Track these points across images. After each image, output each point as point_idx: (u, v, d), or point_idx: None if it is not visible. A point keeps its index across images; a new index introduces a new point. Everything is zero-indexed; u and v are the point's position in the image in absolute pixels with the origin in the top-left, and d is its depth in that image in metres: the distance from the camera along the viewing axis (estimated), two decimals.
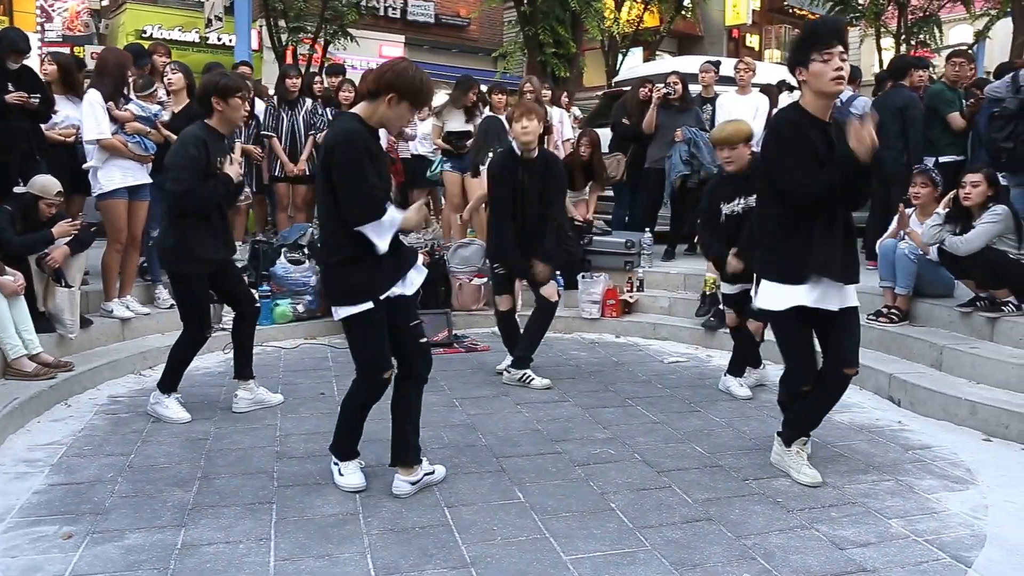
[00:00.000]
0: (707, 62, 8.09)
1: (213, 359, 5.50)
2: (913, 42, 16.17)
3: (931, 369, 4.65)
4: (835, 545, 2.85)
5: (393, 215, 3.05)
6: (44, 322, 4.76)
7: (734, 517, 3.07)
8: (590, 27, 11.27)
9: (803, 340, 3.38)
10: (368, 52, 21.13)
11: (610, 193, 7.97)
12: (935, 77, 7.90)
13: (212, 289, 4.27)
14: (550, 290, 4.93)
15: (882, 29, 16.55)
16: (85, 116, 5.16)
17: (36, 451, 3.68)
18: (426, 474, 3.31)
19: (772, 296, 3.32)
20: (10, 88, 5.44)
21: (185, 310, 4.20)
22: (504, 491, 3.29)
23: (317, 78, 7.92)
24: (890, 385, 4.58)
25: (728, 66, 8.24)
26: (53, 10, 20.56)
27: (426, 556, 2.74)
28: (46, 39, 19.27)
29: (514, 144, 4.78)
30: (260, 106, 7.18)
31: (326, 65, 12.72)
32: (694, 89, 7.88)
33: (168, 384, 4.21)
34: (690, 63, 8.82)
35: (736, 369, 4.79)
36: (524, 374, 4.90)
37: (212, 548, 2.77)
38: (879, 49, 16.51)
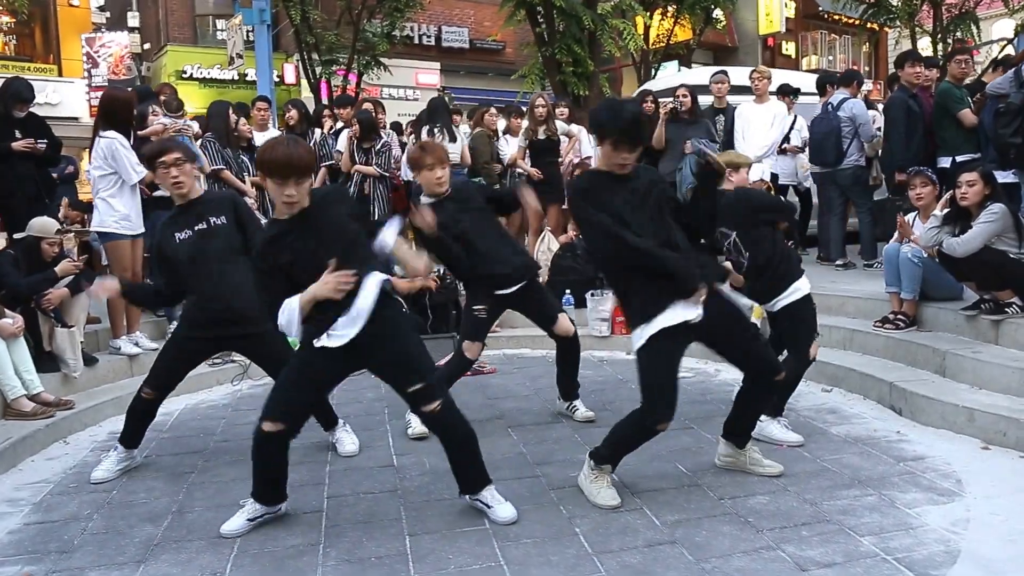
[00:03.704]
0: (717, 72, 8.00)
1: (221, 391, 5.59)
2: (950, 40, 15.74)
3: (935, 376, 4.47)
4: (798, 567, 2.74)
5: (288, 306, 2.91)
6: (50, 361, 4.91)
7: (699, 539, 2.97)
8: (607, 45, 11.24)
9: None
10: (404, 80, 21.49)
11: None
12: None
13: None
14: (565, 325, 4.45)
15: (917, 29, 16.16)
16: (119, 161, 5.23)
17: (22, 490, 3.77)
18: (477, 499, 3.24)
19: None
20: (17, 135, 5.67)
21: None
22: (471, 518, 3.24)
23: (326, 111, 8.04)
24: (891, 394, 4.42)
25: (742, 75, 8.13)
26: (99, 56, 21.37)
27: None
28: (93, 84, 20.01)
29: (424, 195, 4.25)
30: (266, 137, 7.30)
31: (334, 96, 12.92)
32: (706, 100, 7.80)
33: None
34: (700, 75, 8.73)
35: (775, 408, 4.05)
36: (569, 404, 4.64)
37: None
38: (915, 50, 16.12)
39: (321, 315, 2.96)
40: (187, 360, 3.94)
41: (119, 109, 5.34)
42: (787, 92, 8.05)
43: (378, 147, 7.13)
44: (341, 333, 2.96)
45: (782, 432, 3.98)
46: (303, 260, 2.94)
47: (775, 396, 3.84)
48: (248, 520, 3.18)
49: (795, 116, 7.95)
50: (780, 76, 9.17)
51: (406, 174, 7.72)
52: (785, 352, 4.03)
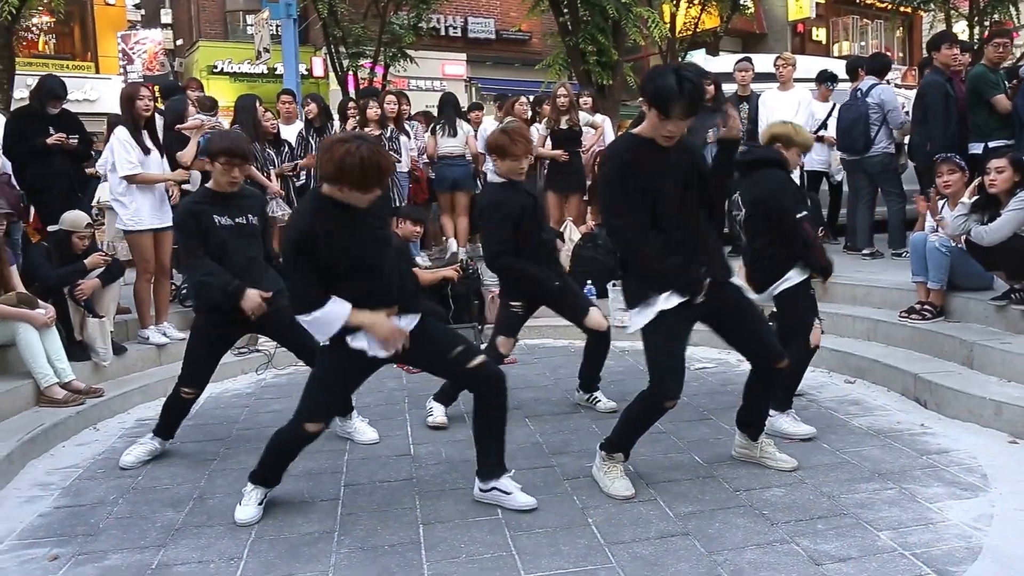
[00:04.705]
0: (741, 60, 7.90)
1: (245, 380, 5.67)
2: (987, 23, 15.36)
3: (962, 368, 4.39)
4: (812, 560, 2.71)
5: (333, 313, 2.91)
6: (81, 351, 5.01)
7: (712, 531, 2.96)
8: (631, 33, 11.12)
9: None
10: (431, 71, 21.51)
11: None
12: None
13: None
14: (597, 319, 4.46)
15: (953, 12, 15.79)
16: (116, 153, 5.36)
17: (53, 475, 3.86)
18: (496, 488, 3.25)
19: None
20: (51, 131, 5.80)
21: None
22: (484, 507, 3.25)
23: (351, 103, 8.08)
24: (915, 386, 4.35)
25: (766, 62, 8.02)
26: (133, 52, 21.71)
27: (387, 574, 2.75)
28: (128, 80, 20.34)
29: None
30: (291, 131, 7.37)
31: (360, 88, 12.98)
32: (729, 88, 7.70)
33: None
34: (724, 63, 8.63)
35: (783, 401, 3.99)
36: (590, 396, 4.65)
37: (184, 568, 2.85)
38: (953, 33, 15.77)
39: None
40: (216, 349, 4.02)
41: (122, 103, 5.45)
42: (824, 79, 7.89)
43: (388, 135, 7.16)
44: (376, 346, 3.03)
45: (793, 425, 3.93)
46: (352, 258, 2.97)
47: (780, 387, 3.81)
48: (259, 505, 3.24)
49: (833, 105, 7.61)
50: (809, 63, 9.03)
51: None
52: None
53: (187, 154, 5.85)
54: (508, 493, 3.21)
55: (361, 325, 2.96)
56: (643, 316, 3.17)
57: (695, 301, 3.14)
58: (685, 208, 3.16)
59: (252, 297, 3.76)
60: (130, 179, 5.33)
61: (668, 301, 3.11)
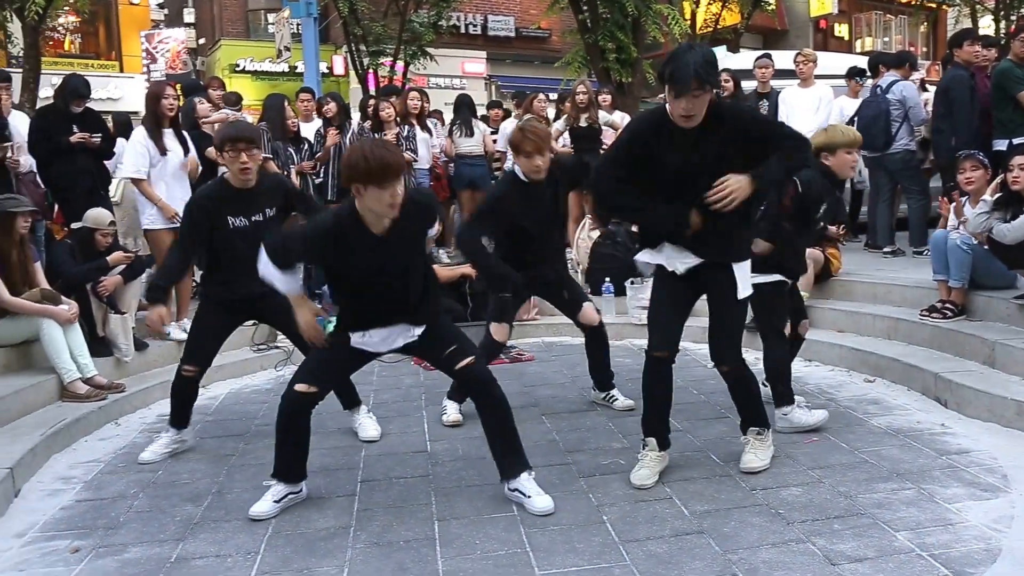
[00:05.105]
0: (761, 56, 7.85)
1: (264, 376, 5.71)
2: (1013, 17, 15.16)
3: (983, 367, 4.34)
4: (827, 560, 2.70)
5: (281, 279, 3.18)
6: (103, 346, 5.08)
7: (727, 530, 2.95)
8: (651, 30, 11.09)
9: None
10: (451, 69, 21.57)
11: None
12: None
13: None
14: (589, 314, 4.45)
15: (978, 7, 15.60)
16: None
17: (76, 469, 3.91)
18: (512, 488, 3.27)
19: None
20: (74, 129, 5.87)
21: None
22: (500, 504, 3.26)
23: (371, 100, 8.12)
24: (936, 385, 4.31)
25: (787, 59, 7.96)
26: (157, 52, 21.93)
27: (401, 570, 2.76)
28: (151, 78, 20.60)
29: None
30: (310, 129, 7.41)
31: (380, 86, 13.05)
32: (749, 85, 7.66)
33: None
34: (744, 59, 8.58)
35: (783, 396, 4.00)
36: (607, 395, 4.64)
37: (201, 562, 2.88)
38: (975, 30, 15.59)
39: (359, 317, 3.19)
40: (217, 331, 4.05)
41: (147, 102, 5.55)
42: (853, 75, 7.80)
43: (405, 133, 7.19)
44: (377, 346, 3.25)
45: (806, 415, 3.95)
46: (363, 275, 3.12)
47: (780, 384, 3.97)
48: (275, 502, 3.25)
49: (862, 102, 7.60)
50: (831, 60, 8.94)
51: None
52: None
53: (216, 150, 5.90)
54: (528, 496, 3.20)
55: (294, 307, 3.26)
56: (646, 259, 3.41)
57: (675, 268, 3.31)
58: (685, 190, 3.17)
59: (155, 317, 3.87)
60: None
61: (659, 257, 3.35)
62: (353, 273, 3.10)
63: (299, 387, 3.17)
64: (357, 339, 3.22)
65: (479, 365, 3.27)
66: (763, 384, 4.34)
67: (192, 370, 3.96)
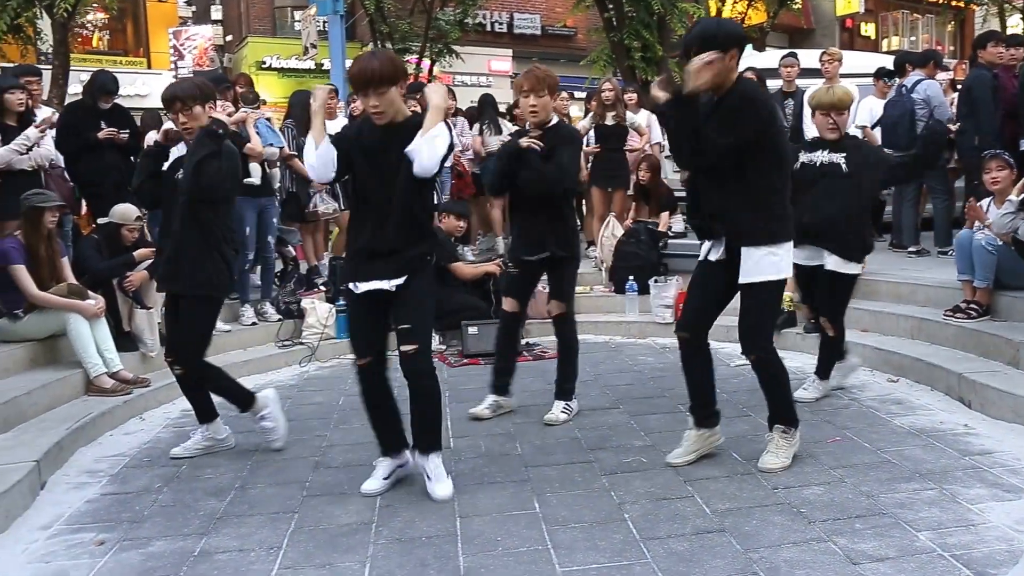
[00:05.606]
0: (787, 55, 7.80)
1: (288, 372, 5.76)
2: None
3: (1008, 367, 4.29)
4: (848, 560, 2.69)
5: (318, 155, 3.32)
6: (129, 341, 5.15)
7: (748, 529, 2.95)
8: (676, 29, 11.06)
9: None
10: (477, 67, 21.59)
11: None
12: None
13: None
14: (557, 308, 4.38)
15: (1007, 6, 15.39)
16: None
17: (102, 462, 3.97)
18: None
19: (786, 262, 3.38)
20: (102, 125, 5.96)
21: None
22: (522, 501, 3.28)
23: None
24: (960, 385, 4.26)
25: (812, 58, 7.90)
26: (184, 48, 22.13)
27: (422, 566, 2.78)
28: (179, 75, 20.78)
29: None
30: (334, 126, 7.44)
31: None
32: (774, 84, 7.61)
33: None
34: (770, 58, 8.52)
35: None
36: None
37: (224, 556, 2.92)
38: (1003, 28, 15.37)
39: (352, 250, 3.42)
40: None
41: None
42: (882, 75, 7.73)
43: None
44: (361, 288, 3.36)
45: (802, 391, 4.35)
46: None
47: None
48: (384, 479, 3.44)
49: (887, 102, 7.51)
50: (857, 59, 8.86)
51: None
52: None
53: (255, 145, 5.93)
54: (429, 479, 3.34)
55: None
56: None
57: (711, 256, 3.46)
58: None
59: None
60: None
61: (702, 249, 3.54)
62: (357, 174, 3.31)
63: (358, 361, 3.39)
64: (354, 287, 3.36)
65: (420, 355, 3.29)
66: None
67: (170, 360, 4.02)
